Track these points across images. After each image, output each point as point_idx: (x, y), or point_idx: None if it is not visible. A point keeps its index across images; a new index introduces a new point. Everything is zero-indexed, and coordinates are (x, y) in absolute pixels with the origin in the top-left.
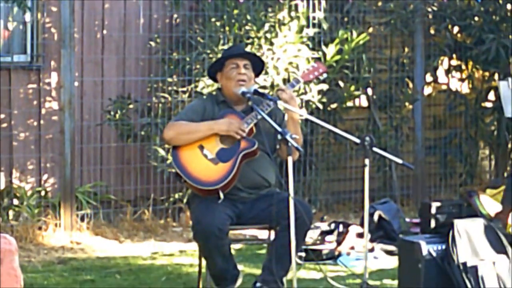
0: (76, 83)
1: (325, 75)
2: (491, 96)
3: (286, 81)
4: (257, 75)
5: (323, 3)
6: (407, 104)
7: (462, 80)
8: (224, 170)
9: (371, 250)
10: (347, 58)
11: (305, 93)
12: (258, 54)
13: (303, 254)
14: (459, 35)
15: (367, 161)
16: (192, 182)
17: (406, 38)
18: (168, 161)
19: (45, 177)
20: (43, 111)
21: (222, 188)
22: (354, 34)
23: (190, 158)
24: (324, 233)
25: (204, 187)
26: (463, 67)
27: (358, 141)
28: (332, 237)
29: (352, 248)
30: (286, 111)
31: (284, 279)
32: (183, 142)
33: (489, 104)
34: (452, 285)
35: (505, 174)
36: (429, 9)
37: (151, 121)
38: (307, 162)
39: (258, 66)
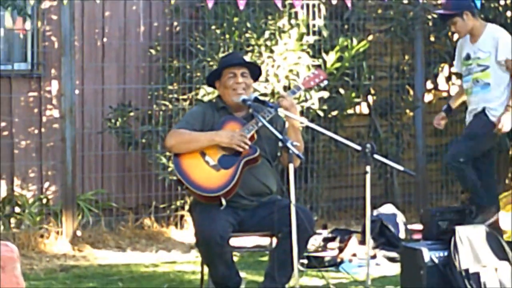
0: (76, 91)
1: (325, 82)
2: None
3: (286, 88)
4: (255, 80)
5: (323, 10)
6: (407, 111)
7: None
8: (226, 176)
9: (373, 257)
10: (348, 65)
11: (306, 100)
12: (259, 61)
13: (305, 261)
14: None
15: (368, 168)
16: (194, 189)
17: (406, 45)
18: (170, 169)
19: (46, 185)
20: (44, 119)
21: (224, 194)
22: (354, 41)
23: (192, 165)
24: (326, 240)
25: (206, 193)
26: None
27: (359, 148)
28: (334, 244)
29: (354, 255)
30: (286, 118)
31: (287, 286)
32: (184, 151)
33: None
34: None
35: (507, 181)
36: (429, 16)
37: (151, 128)
38: (308, 169)
39: (256, 72)
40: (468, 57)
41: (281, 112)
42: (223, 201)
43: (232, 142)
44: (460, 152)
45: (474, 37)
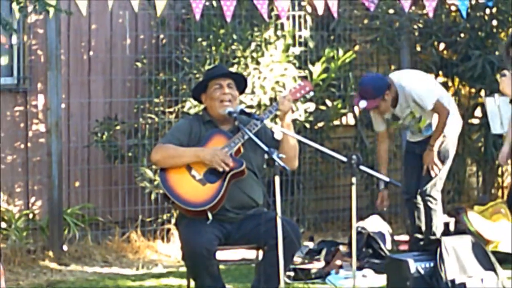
0: (63, 105)
1: (311, 93)
2: (478, 112)
3: (272, 100)
4: (241, 92)
5: (309, 21)
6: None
7: None
8: (212, 190)
9: (360, 268)
10: (334, 76)
11: (292, 111)
12: (245, 73)
13: (291, 273)
14: (445, 52)
15: (354, 180)
16: (180, 203)
17: (392, 56)
18: (156, 182)
19: (32, 199)
20: (30, 133)
21: (210, 208)
22: (340, 52)
23: (178, 179)
24: (313, 252)
25: (193, 208)
26: (450, 83)
27: (345, 159)
28: (321, 256)
29: (341, 266)
30: (281, 116)
31: None
32: (169, 166)
33: (475, 121)
34: None
35: (493, 191)
36: (415, 26)
37: (138, 142)
38: (294, 181)
39: (241, 84)
40: (396, 118)
41: (268, 123)
42: (210, 215)
43: (213, 160)
44: (436, 182)
45: (393, 103)
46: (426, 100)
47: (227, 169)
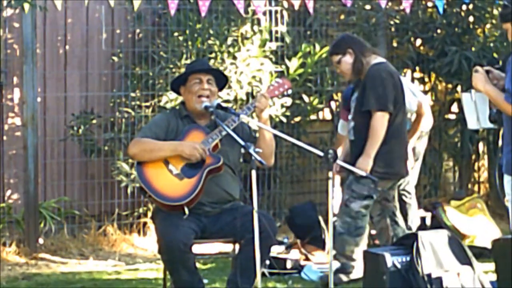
0: (38, 99)
1: (290, 91)
2: (454, 108)
3: (249, 94)
4: (220, 89)
5: (286, 17)
6: None
7: (425, 92)
8: (189, 185)
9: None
10: (310, 71)
11: (269, 106)
12: (221, 68)
13: (267, 262)
14: (421, 47)
15: (331, 174)
16: (157, 198)
17: None
18: (132, 176)
19: (8, 193)
20: (5, 127)
21: (187, 203)
22: (317, 47)
23: (155, 173)
24: (290, 246)
25: (169, 202)
26: (426, 79)
27: (321, 154)
28: (297, 250)
29: (308, 259)
30: (257, 113)
31: None
32: (146, 159)
33: (452, 116)
34: None
35: (469, 186)
36: (392, 22)
37: (114, 136)
38: (271, 175)
39: (221, 81)
40: None
41: (244, 118)
42: (186, 210)
43: (192, 154)
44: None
45: None
46: (412, 102)
47: (204, 158)
